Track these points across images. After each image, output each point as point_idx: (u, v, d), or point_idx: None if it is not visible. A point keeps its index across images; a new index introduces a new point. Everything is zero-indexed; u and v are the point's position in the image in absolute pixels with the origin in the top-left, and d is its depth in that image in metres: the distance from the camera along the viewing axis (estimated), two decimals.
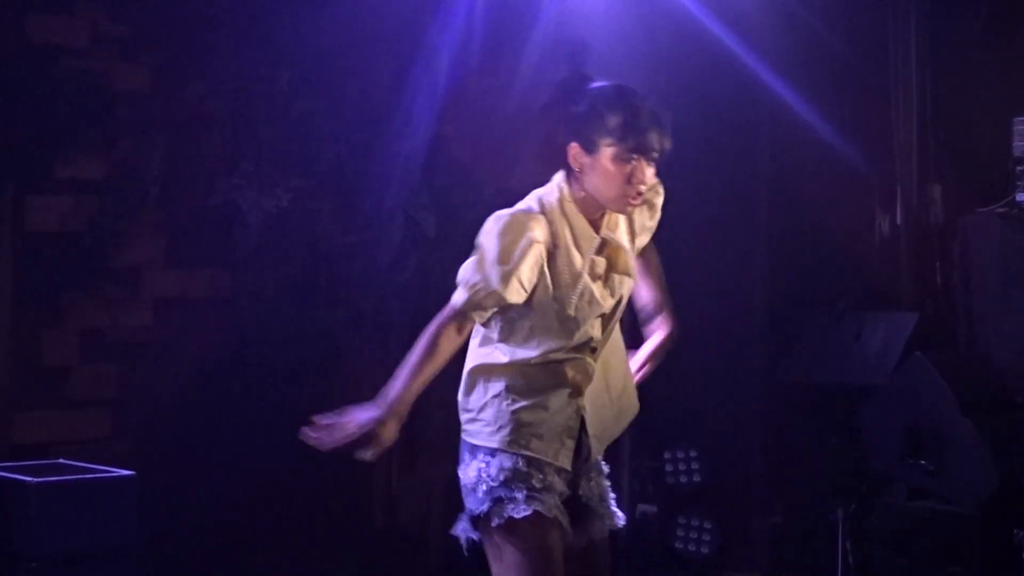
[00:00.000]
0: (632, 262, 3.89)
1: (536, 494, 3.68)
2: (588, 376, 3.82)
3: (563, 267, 3.74)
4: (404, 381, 3.71)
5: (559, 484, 3.75)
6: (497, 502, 3.68)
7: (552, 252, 3.73)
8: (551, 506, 3.69)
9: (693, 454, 7.64)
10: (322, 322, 6.72)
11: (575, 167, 3.77)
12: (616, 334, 3.93)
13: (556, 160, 3.83)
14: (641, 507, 7.74)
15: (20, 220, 5.98)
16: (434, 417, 6.81)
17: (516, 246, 3.64)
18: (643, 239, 4.00)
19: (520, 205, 3.77)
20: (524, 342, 3.77)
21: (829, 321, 7.33)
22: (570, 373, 3.79)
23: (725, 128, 7.59)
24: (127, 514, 5.41)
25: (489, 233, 3.68)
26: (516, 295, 3.65)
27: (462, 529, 3.79)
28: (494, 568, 3.74)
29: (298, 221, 6.67)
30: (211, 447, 6.37)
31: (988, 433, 6.48)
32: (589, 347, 3.81)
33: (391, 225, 6.75)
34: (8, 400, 5.97)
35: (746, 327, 7.78)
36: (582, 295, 3.75)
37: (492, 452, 3.74)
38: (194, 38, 6.30)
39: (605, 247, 3.81)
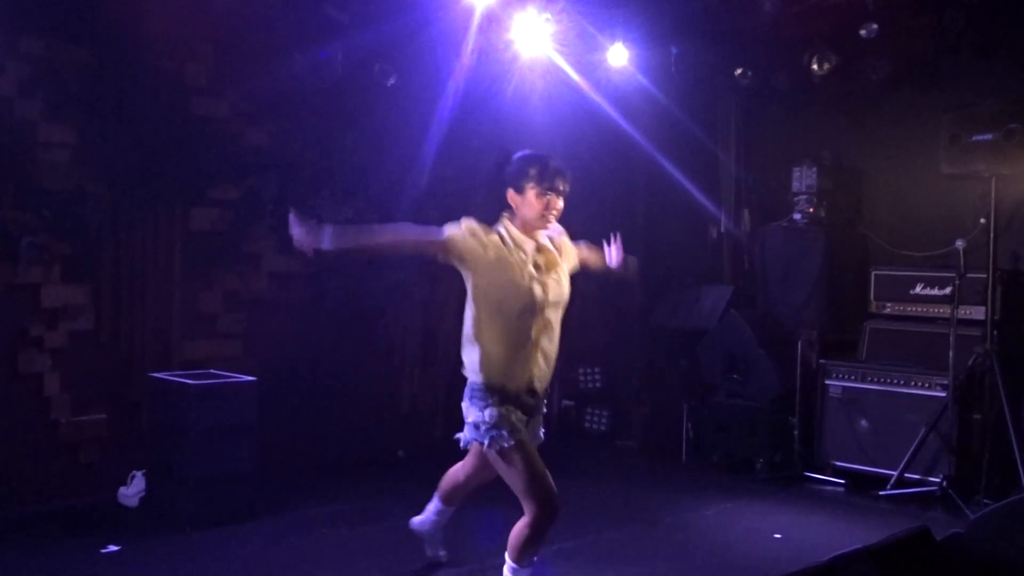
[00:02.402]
0: (560, 264, 3.88)
1: (515, 430, 3.71)
2: (540, 339, 3.78)
3: (516, 257, 3.74)
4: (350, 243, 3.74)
5: (522, 418, 3.76)
6: (493, 440, 3.69)
7: (506, 251, 3.72)
8: (523, 433, 3.74)
9: (596, 370, 7.68)
10: (371, 287, 6.64)
11: (512, 204, 3.81)
12: (557, 324, 3.86)
13: (501, 202, 3.87)
14: (564, 402, 7.76)
15: (187, 224, 5.94)
16: (443, 332, 6.89)
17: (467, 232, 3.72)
18: (570, 262, 4.00)
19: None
20: (496, 310, 3.73)
21: (680, 290, 7.38)
22: (532, 335, 3.77)
23: (617, 177, 7.63)
24: (250, 403, 5.34)
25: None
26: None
27: (464, 440, 3.82)
28: (505, 471, 3.74)
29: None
30: (302, 363, 6.31)
31: (774, 359, 6.57)
32: (540, 314, 3.75)
33: None
34: (180, 335, 5.94)
35: (631, 294, 7.76)
36: (526, 271, 3.73)
37: (486, 405, 3.70)
38: (294, 112, 6.24)
39: (540, 250, 3.83)
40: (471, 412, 3.76)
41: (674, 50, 6.53)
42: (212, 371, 5.59)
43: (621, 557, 4.88)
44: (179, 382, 5.28)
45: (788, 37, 6.31)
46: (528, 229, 3.82)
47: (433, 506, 4.39)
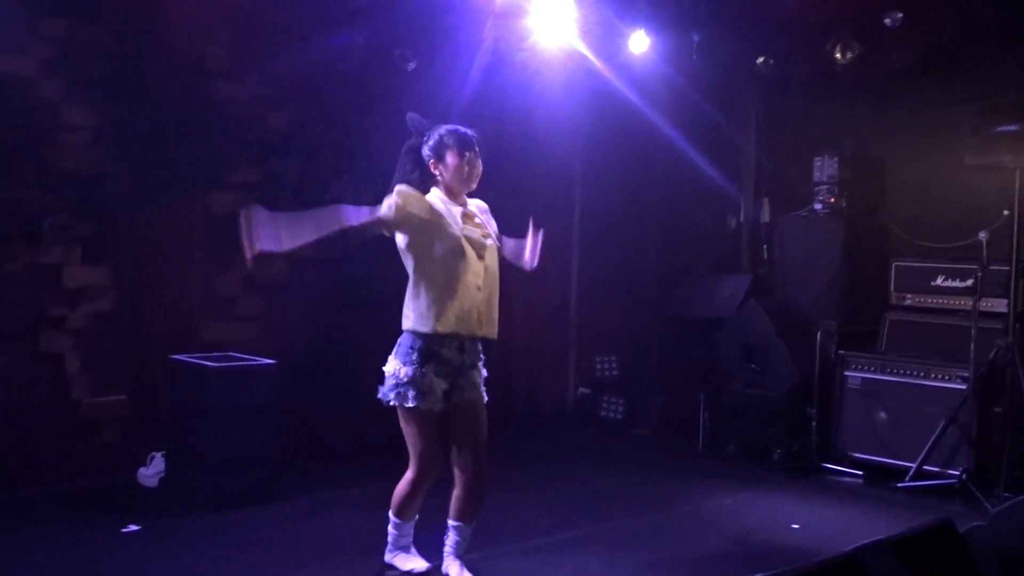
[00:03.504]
0: (487, 227, 4.03)
1: (422, 394, 3.85)
2: (481, 285, 3.92)
3: (448, 214, 3.91)
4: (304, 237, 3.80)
5: (441, 385, 3.87)
6: (399, 395, 3.88)
7: (440, 209, 3.89)
8: (430, 401, 3.87)
9: (613, 358, 7.65)
10: (387, 273, 6.42)
11: (435, 172, 3.99)
12: (495, 271, 4.01)
13: (426, 173, 4.01)
14: (580, 390, 7.75)
15: (206, 207, 5.94)
16: None
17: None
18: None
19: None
20: (438, 268, 3.87)
21: (697, 279, 7.36)
22: (472, 282, 3.90)
23: (636, 161, 7.60)
24: (268, 385, 5.35)
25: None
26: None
27: (382, 394, 3.95)
28: (402, 425, 3.96)
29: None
30: (319, 346, 6.31)
31: (792, 349, 6.54)
32: (479, 260, 3.91)
33: None
34: (200, 317, 5.96)
35: (648, 282, 7.79)
36: (458, 224, 3.91)
37: (407, 362, 3.86)
38: (315, 97, 6.23)
39: (467, 216, 3.99)
40: (392, 363, 3.94)
41: (696, 37, 6.49)
42: (231, 353, 5.59)
43: (637, 545, 4.87)
44: (198, 364, 5.29)
45: (811, 25, 6.25)
46: (454, 195, 3.99)
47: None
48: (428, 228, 3.88)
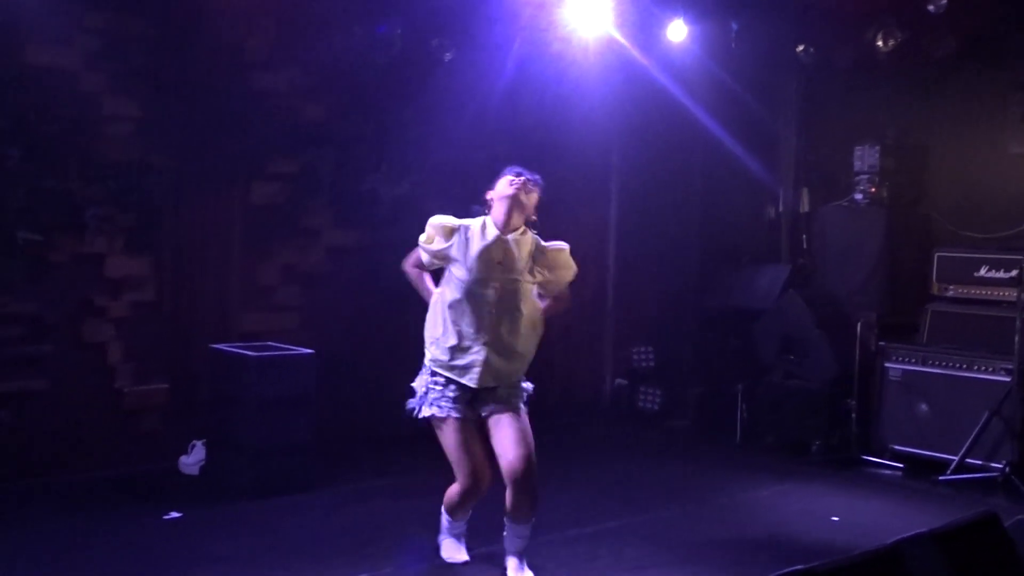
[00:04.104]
0: (517, 262, 3.98)
1: (449, 401, 3.93)
2: (488, 329, 3.93)
3: (480, 245, 3.92)
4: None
5: (465, 395, 3.94)
6: (427, 407, 3.98)
7: (473, 240, 3.93)
8: (459, 409, 3.94)
9: (650, 348, 7.61)
10: None
11: (489, 199, 4.03)
12: (516, 319, 3.97)
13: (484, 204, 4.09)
14: (617, 380, 7.72)
15: (247, 197, 5.98)
16: None
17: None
18: (541, 277, 4.06)
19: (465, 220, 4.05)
20: (453, 295, 3.95)
21: (736, 269, 7.31)
22: (476, 324, 3.93)
23: (674, 151, 7.55)
24: (307, 375, 5.37)
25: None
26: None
27: (409, 407, 4.05)
28: (439, 438, 4.03)
29: (413, 201, 6.54)
30: (357, 336, 6.33)
31: (831, 340, 6.47)
32: (486, 303, 3.91)
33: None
34: (239, 307, 5.99)
35: (685, 273, 7.75)
36: (482, 258, 3.91)
37: (431, 376, 3.98)
38: (352, 87, 6.23)
39: (503, 244, 3.95)
40: (419, 379, 4.05)
41: (735, 25, 6.44)
42: (270, 343, 5.62)
43: (674, 536, 4.84)
44: (238, 353, 5.33)
45: (852, 12, 6.19)
46: (504, 221, 3.95)
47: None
48: (454, 259, 3.95)
